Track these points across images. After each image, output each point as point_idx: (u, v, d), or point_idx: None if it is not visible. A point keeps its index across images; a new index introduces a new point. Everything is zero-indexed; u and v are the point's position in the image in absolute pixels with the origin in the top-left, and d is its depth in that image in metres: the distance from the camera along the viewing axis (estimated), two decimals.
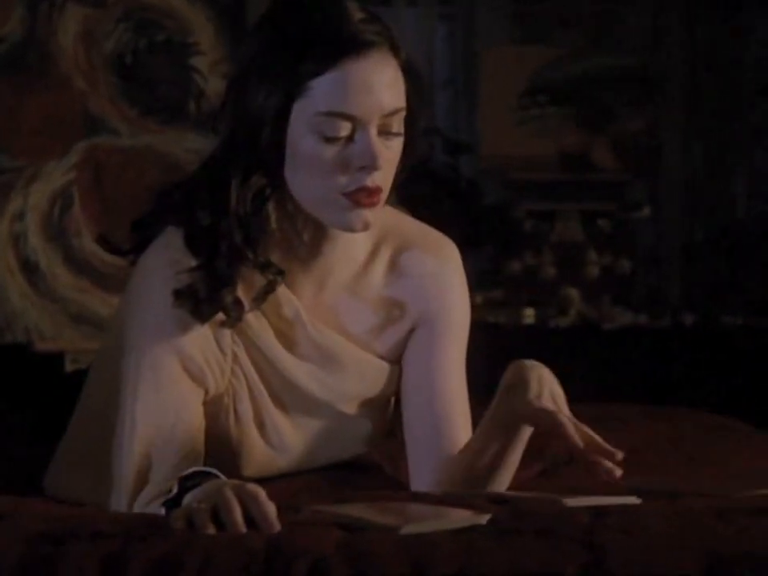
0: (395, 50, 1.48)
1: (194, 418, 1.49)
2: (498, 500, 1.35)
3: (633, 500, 1.34)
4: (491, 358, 3.50)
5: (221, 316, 1.50)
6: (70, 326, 3.38)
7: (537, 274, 3.82)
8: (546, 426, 1.47)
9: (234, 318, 1.50)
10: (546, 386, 1.50)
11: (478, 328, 3.54)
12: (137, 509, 1.44)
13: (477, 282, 3.78)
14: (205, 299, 1.47)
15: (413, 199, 3.68)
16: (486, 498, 1.36)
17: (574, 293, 3.75)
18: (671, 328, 3.68)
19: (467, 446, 1.57)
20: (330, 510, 1.27)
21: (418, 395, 1.60)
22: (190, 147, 3.39)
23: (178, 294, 1.48)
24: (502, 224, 3.81)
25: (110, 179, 3.34)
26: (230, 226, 1.47)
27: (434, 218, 3.93)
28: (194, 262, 1.48)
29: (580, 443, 1.44)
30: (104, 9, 3.38)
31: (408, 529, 1.19)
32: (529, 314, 3.69)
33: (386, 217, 1.60)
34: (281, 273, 1.51)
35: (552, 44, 3.91)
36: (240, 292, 1.50)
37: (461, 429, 1.59)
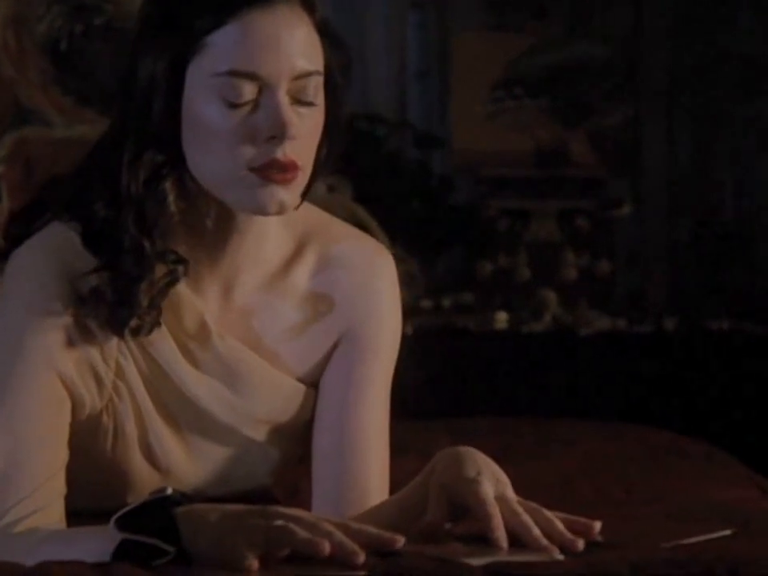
0: (308, 6, 1.33)
1: (59, 438, 1.34)
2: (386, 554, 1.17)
3: (557, 555, 1.20)
4: (460, 365, 3.49)
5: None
6: None
7: (510, 276, 3.73)
8: (473, 511, 1.28)
9: (150, 323, 1.34)
10: (487, 468, 1.31)
11: (446, 334, 3.50)
12: None
13: (446, 284, 3.67)
14: (116, 304, 1.32)
15: (380, 196, 3.64)
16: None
17: (549, 296, 3.64)
18: (653, 333, 3.58)
19: (378, 510, 1.39)
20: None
21: (329, 429, 1.43)
22: None
23: (84, 303, 1.33)
24: (473, 223, 3.70)
25: (41, 173, 3.16)
26: (124, 213, 1.32)
27: (402, 216, 3.76)
28: (92, 263, 1.33)
29: (503, 543, 1.25)
30: None
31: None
32: (501, 319, 3.58)
33: (312, 216, 1.46)
34: (182, 261, 1.35)
35: (528, 33, 3.82)
36: None
37: (374, 477, 1.42)
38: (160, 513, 1.20)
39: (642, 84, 3.84)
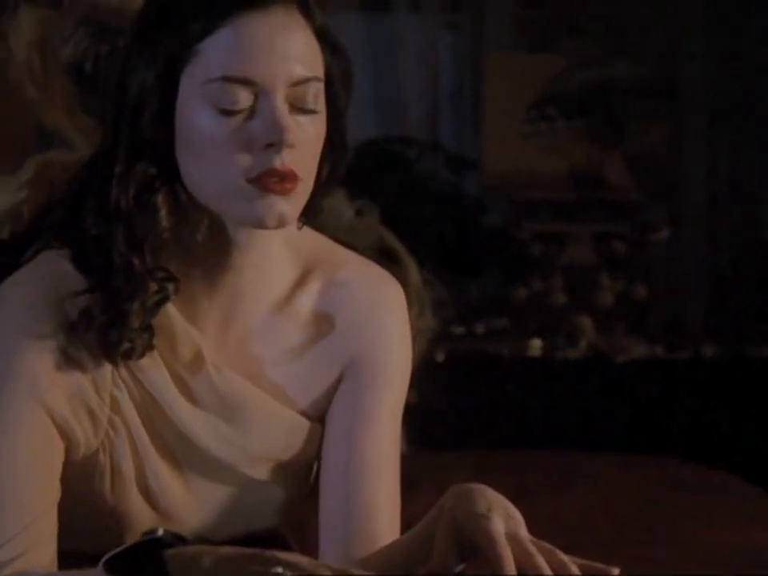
0: (307, 11, 1.28)
1: (49, 475, 1.28)
2: None
3: None
4: (492, 393, 3.43)
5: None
6: None
7: (545, 301, 3.70)
8: (483, 550, 1.21)
9: (142, 346, 1.28)
10: (499, 505, 1.24)
11: (478, 360, 3.45)
12: None
13: (479, 309, 3.66)
14: (106, 325, 1.26)
15: (411, 220, 3.59)
16: None
17: (585, 322, 3.62)
18: (691, 360, 3.54)
19: (386, 551, 1.32)
20: None
21: (335, 464, 1.37)
22: None
23: (74, 327, 1.27)
24: (507, 246, 3.70)
25: None
26: (114, 228, 1.27)
27: (434, 240, 3.69)
28: (83, 285, 1.28)
29: None
30: (62, 11, 3.16)
31: None
32: (535, 345, 3.55)
33: (318, 243, 1.40)
34: (172, 279, 1.29)
35: (562, 52, 3.81)
36: None
37: (384, 514, 1.35)
38: (150, 555, 1.15)
39: (681, 103, 3.80)
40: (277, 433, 1.36)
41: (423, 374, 3.15)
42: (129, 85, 1.27)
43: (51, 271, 1.30)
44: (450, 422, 3.18)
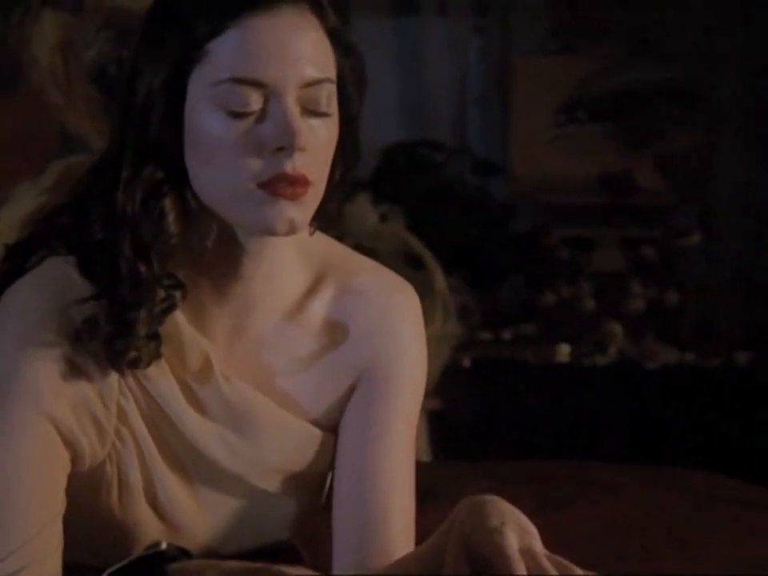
0: (319, 11, 1.25)
1: (52, 486, 1.25)
2: None
3: None
4: (518, 400, 3.40)
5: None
6: None
7: (573, 307, 3.68)
8: (495, 567, 1.17)
9: (149, 355, 1.25)
10: (512, 518, 1.19)
11: (505, 367, 3.41)
12: None
13: (507, 315, 3.64)
14: (112, 334, 1.23)
15: (437, 224, 3.57)
16: None
17: (615, 328, 3.60)
18: (723, 368, 3.53)
19: (398, 565, 1.28)
20: None
21: (348, 474, 1.33)
22: None
23: (79, 336, 1.23)
24: (534, 252, 3.68)
25: None
26: (120, 234, 1.24)
27: (459, 245, 3.66)
28: (89, 292, 1.25)
29: None
30: (84, 16, 3.16)
31: None
32: (563, 352, 3.54)
33: (331, 249, 1.37)
34: (180, 286, 1.26)
35: (592, 55, 3.78)
36: None
37: (397, 526, 1.31)
38: (154, 569, 1.11)
39: (713, 106, 3.77)
40: (288, 443, 1.33)
41: (449, 381, 3.13)
42: (136, 87, 1.24)
43: (56, 278, 1.27)
44: (475, 429, 3.14)
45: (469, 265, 3.47)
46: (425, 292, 2.96)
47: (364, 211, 2.82)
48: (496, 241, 3.62)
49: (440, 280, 2.85)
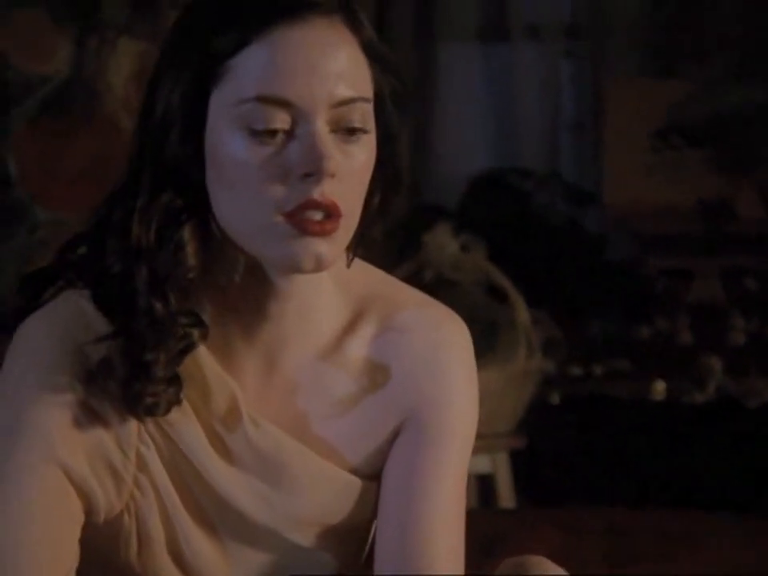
0: (353, 23, 1.15)
1: (64, 538, 1.17)
2: None
3: None
4: (609, 440, 3.28)
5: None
6: None
7: (670, 341, 3.60)
8: None
9: (168, 401, 1.16)
10: None
11: (597, 404, 3.28)
12: None
13: (599, 349, 3.56)
14: (128, 376, 1.15)
15: (522, 256, 3.48)
16: None
17: (714, 363, 3.48)
18: None
19: None
20: None
21: (391, 526, 1.23)
22: None
23: (93, 378, 1.15)
24: (629, 283, 3.60)
25: None
26: (136, 268, 1.16)
27: (550, 277, 3.54)
28: (106, 329, 1.16)
29: None
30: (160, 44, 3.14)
31: None
32: (659, 388, 3.42)
33: (372, 280, 1.27)
34: (199, 324, 1.17)
35: (689, 78, 3.71)
36: None
37: None
38: None
39: None
40: (324, 494, 1.23)
41: (535, 418, 3.01)
42: (154, 107, 1.16)
43: (71, 314, 1.19)
44: (561, 469, 3.02)
45: (557, 297, 3.38)
46: (507, 325, 2.85)
47: (444, 241, 2.72)
48: (587, 271, 3.55)
49: (523, 312, 2.73)
